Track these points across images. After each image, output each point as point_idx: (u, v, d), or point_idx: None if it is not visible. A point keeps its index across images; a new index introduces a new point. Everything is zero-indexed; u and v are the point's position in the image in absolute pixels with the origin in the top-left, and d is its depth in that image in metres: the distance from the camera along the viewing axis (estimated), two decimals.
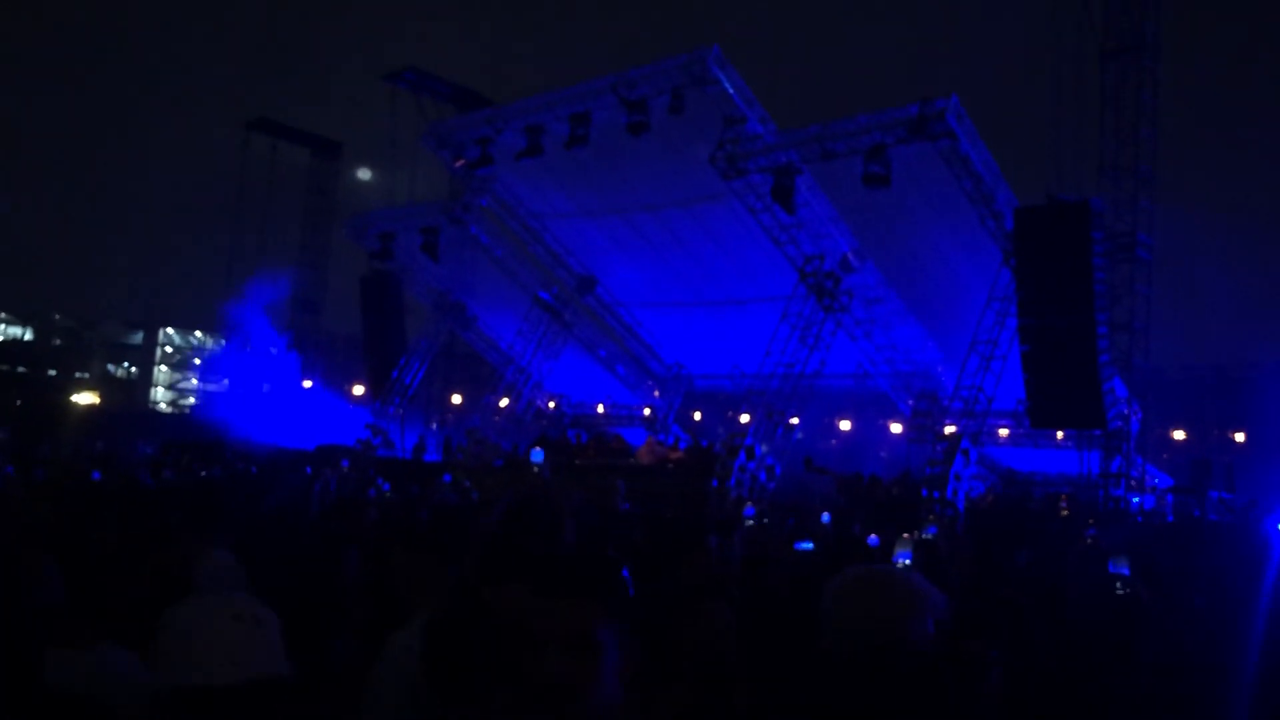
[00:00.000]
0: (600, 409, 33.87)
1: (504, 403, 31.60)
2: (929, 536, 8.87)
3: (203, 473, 14.61)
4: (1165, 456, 29.97)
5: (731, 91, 22.64)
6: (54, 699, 3.00)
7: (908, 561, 5.51)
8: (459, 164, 28.44)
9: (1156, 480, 24.57)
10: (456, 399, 34.96)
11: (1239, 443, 34.65)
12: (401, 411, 32.19)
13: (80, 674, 3.11)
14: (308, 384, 36.99)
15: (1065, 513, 19.73)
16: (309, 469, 19.03)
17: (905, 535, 6.52)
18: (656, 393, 32.99)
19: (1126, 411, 21.80)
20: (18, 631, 3.19)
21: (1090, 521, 16.60)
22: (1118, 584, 5.74)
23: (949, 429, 21.26)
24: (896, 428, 27.72)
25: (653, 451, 26.09)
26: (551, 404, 34.01)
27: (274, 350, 40.15)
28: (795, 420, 24.22)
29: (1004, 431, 25.65)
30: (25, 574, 3.34)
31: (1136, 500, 22.22)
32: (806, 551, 7.90)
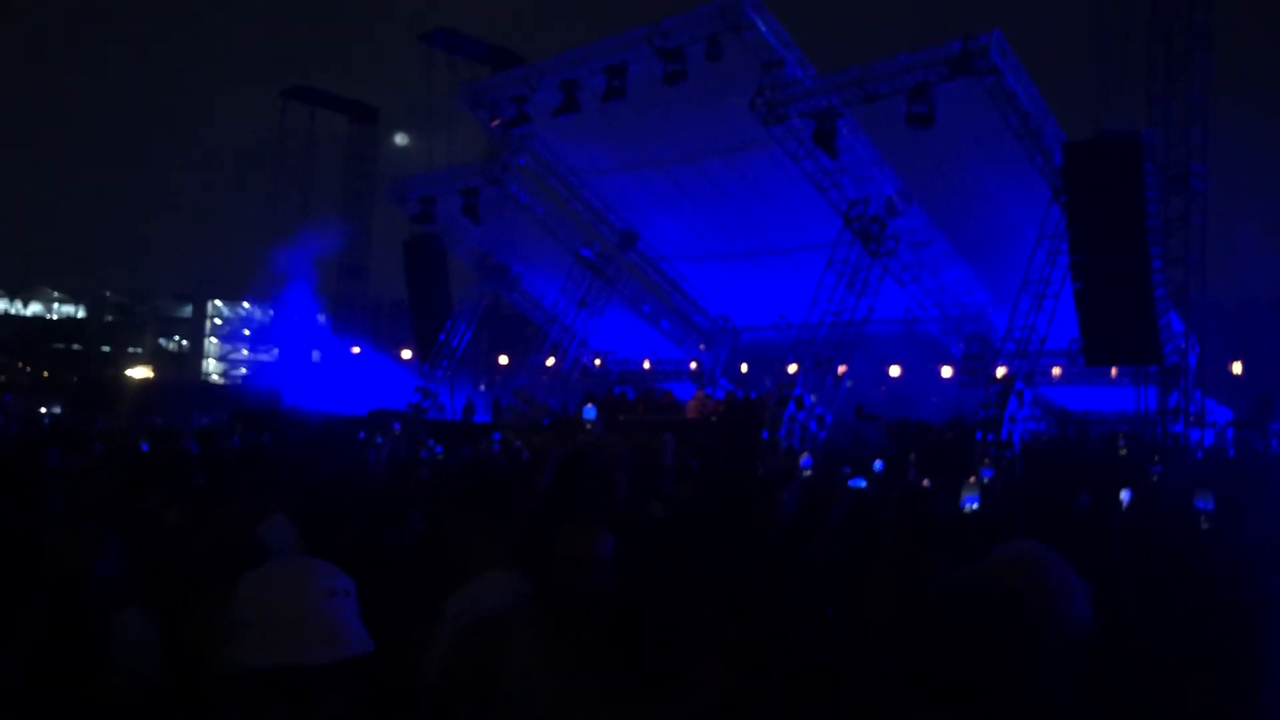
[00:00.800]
0: (646, 365, 33.81)
1: (550, 361, 31.63)
2: (985, 479, 8.70)
3: (255, 441, 14.75)
4: (1225, 390, 29.36)
5: (769, 36, 22.27)
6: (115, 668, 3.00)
7: (975, 506, 5.37)
8: (495, 124, 28.29)
9: (1216, 415, 24.09)
10: (503, 359, 35.04)
11: None
12: (450, 374, 32.36)
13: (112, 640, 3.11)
14: (356, 350, 37.24)
15: (1124, 451, 19.41)
16: (362, 434, 19.18)
17: (970, 480, 6.34)
18: (702, 346, 32.85)
19: (1184, 345, 21.36)
20: (82, 603, 3.18)
21: (1155, 459, 16.28)
22: (1202, 519, 5.57)
23: (1001, 371, 20.97)
24: (948, 372, 27.35)
25: (703, 405, 26.00)
26: (597, 361, 34.00)
27: (321, 317, 40.50)
28: (844, 368, 23.99)
29: (1057, 371, 25.25)
30: (87, 547, 3.33)
31: (1197, 436, 21.83)
32: (860, 489, 7.78)
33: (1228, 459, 20.41)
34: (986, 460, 14.10)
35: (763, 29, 22.11)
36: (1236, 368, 33.80)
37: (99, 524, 3.63)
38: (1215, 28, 22.60)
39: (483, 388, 34.73)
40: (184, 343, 66.22)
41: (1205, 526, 5.51)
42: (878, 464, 13.70)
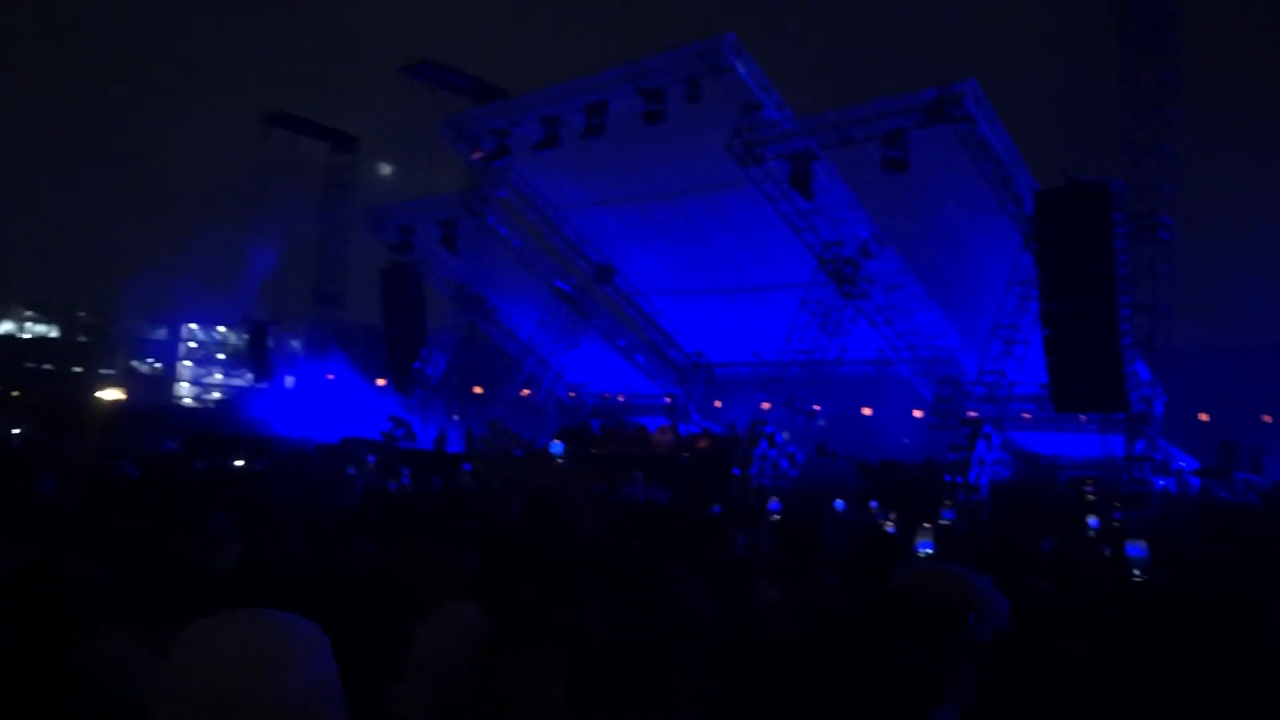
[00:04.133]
0: (621, 399, 33.87)
1: (525, 393, 31.64)
2: (945, 521, 8.80)
3: (219, 466, 14.71)
4: (1193, 439, 29.70)
5: (748, 79, 22.56)
6: (102, 694, 3.03)
7: (930, 551, 5.47)
8: (476, 156, 28.46)
9: (1182, 463, 24.37)
10: (478, 390, 35.04)
11: (1268, 424, 34.24)
12: (424, 402, 32.33)
13: (102, 665, 3.14)
14: (330, 376, 37.13)
15: (1091, 497, 19.60)
16: (351, 469, 19.10)
17: (926, 525, 6.46)
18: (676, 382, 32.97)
19: (1150, 394, 21.63)
20: (60, 626, 3.22)
21: (1116, 504, 16.47)
22: (1135, 569, 5.67)
23: (971, 414, 21.16)
24: (919, 414, 27.59)
25: (663, 436, 26.08)
26: (571, 394, 34.04)
27: (296, 343, 40.32)
28: (817, 407, 24.15)
29: (1027, 416, 25.49)
30: (63, 569, 3.37)
31: (1161, 483, 22.05)
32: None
33: (1190, 506, 20.63)
34: (948, 503, 14.21)
35: (741, 72, 22.41)
36: (1203, 416, 34.19)
37: (82, 548, 3.67)
38: (1183, 82, 23.09)
39: (456, 418, 34.67)
40: (157, 365, 65.73)
41: (1137, 574, 5.61)
42: (838, 503, 13.79)
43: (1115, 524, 12.23)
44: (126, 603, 3.59)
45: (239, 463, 17.81)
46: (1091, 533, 11.13)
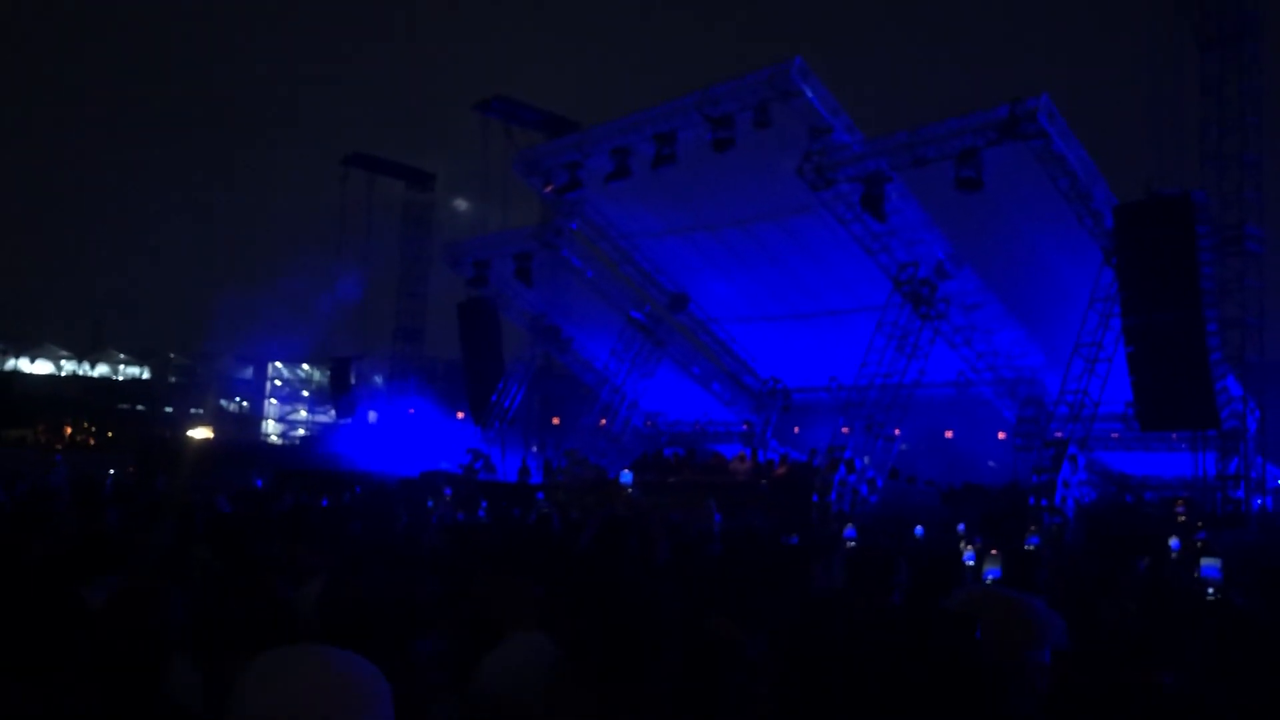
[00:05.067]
0: (697, 426, 33.82)
1: (602, 423, 31.76)
2: (1030, 547, 8.61)
3: (305, 503, 14.99)
4: None
5: (816, 102, 22.52)
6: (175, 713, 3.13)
7: (996, 578, 5.36)
8: (548, 189, 28.78)
9: None
10: (555, 420, 35.30)
11: None
12: (502, 434, 32.62)
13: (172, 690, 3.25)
14: (411, 411, 37.68)
15: (1182, 518, 19.02)
16: (431, 502, 19.35)
17: (993, 552, 6.34)
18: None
19: (1242, 410, 20.97)
20: (140, 650, 3.32)
21: (1199, 525, 15.95)
22: (1209, 589, 5.49)
23: (1056, 435, 20.72)
24: (1003, 435, 27.06)
25: (740, 464, 25.93)
26: (648, 423, 34.07)
27: (379, 379, 41.01)
28: (897, 431, 23.84)
29: (1115, 436, 24.86)
30: (145, 597, 3.48)
31: (1259, 502, 21.33)
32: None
33: None
34: (1033, 528, 13.88)
35: (810, 96, 22.37)
36: None
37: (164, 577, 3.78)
38: (1266, 88, 22.49)
39: (535, 449, 34.94)
40: (245, 404, 67.34)
41: (1211, 594, 5.42)
42: (918, 529, 13.56)
43: (1199, 545, 11.83)
44: (200, 631, 3.68)
45: (324, 498, 18.18)
46: (1174, 554, 10.78)
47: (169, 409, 60.96)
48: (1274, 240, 22.66)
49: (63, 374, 67.32)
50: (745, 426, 31.76)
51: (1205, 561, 5.79)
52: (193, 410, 58.75)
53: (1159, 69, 22.00)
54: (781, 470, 25.13)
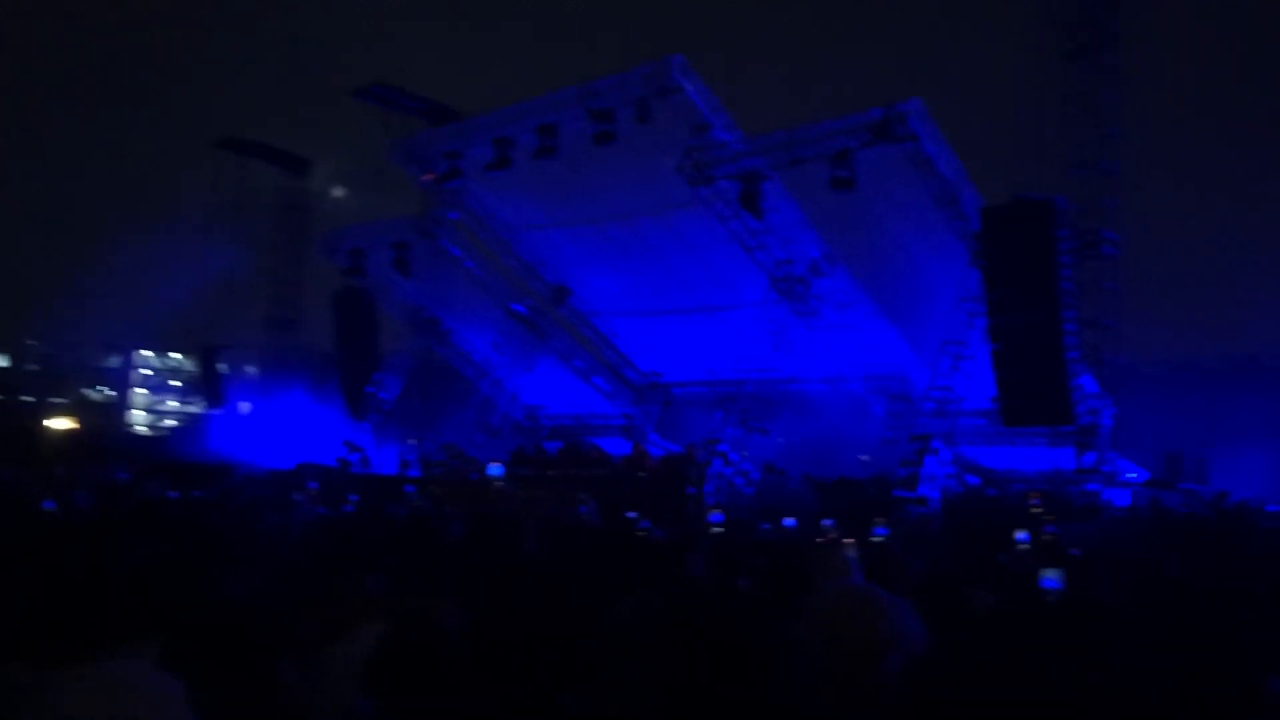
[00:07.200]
0: (578, 419, 33.81)
1: (480, 416, 31.50)
2: (879, 538, 8.84)
3: (158, 495, 14.51)
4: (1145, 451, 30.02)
5: (696, 100, 22.72)
6: None
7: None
8: (427, 178, 28.40)
9: (1134, 475, 24.62)
10: (433, 414, 34.85)
11: (1216, 434, 34.68)
12: (378, 427, 32.08)
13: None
14: (285, 402, 36.77)
15: (1037, 510, 19.74)
16: (296, 495, 18.89)
17: (849, 540, 6.48)
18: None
19: (1097, 407, 21.88)
20: None
21: (1049, 518, 16.60)
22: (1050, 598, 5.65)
23: (922, 430, 21.33)
24: (871, 430, 27.72)
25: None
26: (528, 416, 33.93)
27: (251, 369, 39.94)
28: (768, 430, 24.24)
29: (978, 430, 25.66)
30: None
31: (1111, 495, 22.28)
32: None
33: (1138, 518, 20.86)
34: (880, 519, 14.19)
35: (690, 93, 22.57)
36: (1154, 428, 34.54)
37: None
38: (1125, 99, 23.54)
39: (412, 442, 34.45)
40: (110, 393, 64.87)
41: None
42: (789, 520, 13.81)
43: (1047, 538, 12.26)
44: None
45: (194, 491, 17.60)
46: (1021, 548, 11.13)
47: (29, 398, 58.32)
48: (1129, 245, 23.73)
49: None
50: (626, 420, 31.89)
51: (1046, 573, 5.91)
52: (54, 399, 56.34)
53: (1028, 78, 22.86)
54: (655, 463, 25.36)
